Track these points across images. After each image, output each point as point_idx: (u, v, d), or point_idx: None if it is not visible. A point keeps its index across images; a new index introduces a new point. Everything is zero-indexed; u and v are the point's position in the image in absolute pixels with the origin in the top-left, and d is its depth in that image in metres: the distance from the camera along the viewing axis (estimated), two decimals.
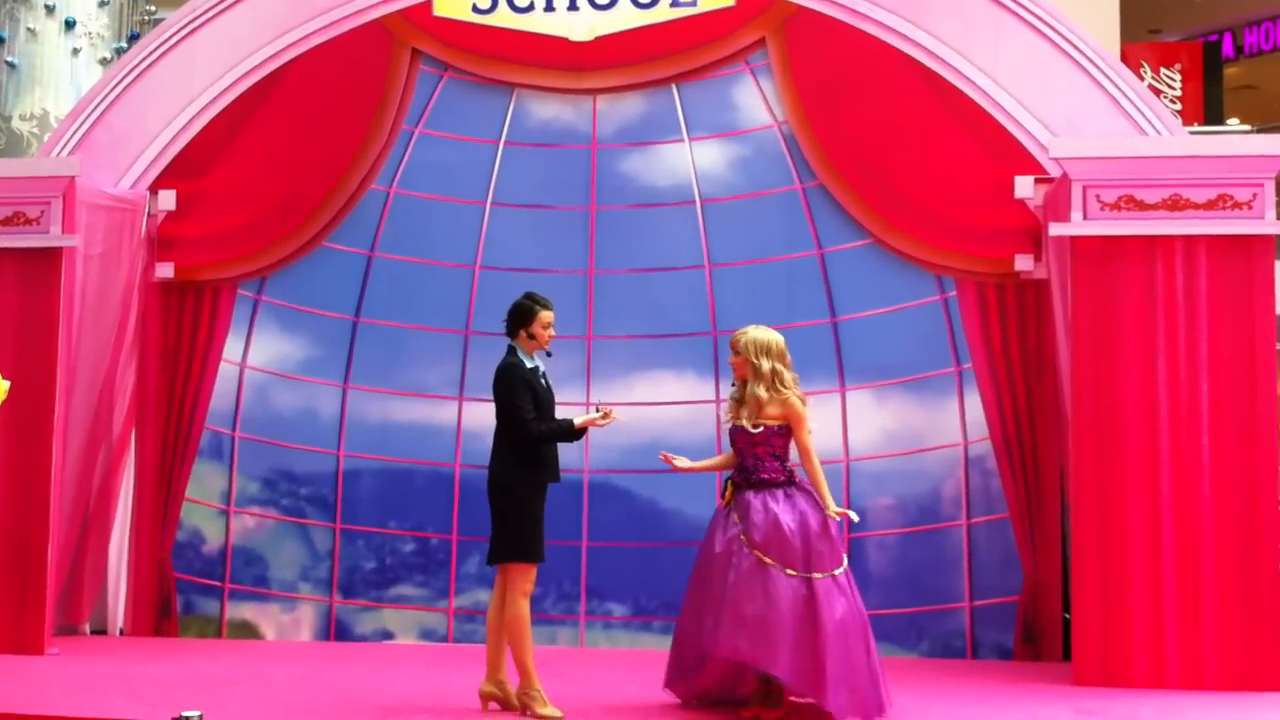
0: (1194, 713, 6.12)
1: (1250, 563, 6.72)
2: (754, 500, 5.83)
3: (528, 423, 5.96)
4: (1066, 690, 6.64)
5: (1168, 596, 6.73)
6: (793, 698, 5.87)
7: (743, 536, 5.77)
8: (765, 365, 5.90)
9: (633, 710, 6.03)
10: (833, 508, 5.85)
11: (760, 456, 5.89)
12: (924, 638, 7.79)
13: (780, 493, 5.85)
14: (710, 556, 5.89)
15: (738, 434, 5.96)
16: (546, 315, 6.10)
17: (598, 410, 6.12)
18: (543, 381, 6.13)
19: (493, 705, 6.05)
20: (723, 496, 5.98)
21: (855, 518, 5.96)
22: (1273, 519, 6.78)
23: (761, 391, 5.89)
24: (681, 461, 6.10)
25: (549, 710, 5.89)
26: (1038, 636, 7.63)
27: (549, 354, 6.20)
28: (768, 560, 5.71)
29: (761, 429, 5.87)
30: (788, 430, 5.90)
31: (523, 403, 5.97)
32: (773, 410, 5.88)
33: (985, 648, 7.72)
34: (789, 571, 5.70)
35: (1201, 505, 6.77)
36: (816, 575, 5.72)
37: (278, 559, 8.31)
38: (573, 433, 6.06)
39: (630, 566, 7.96)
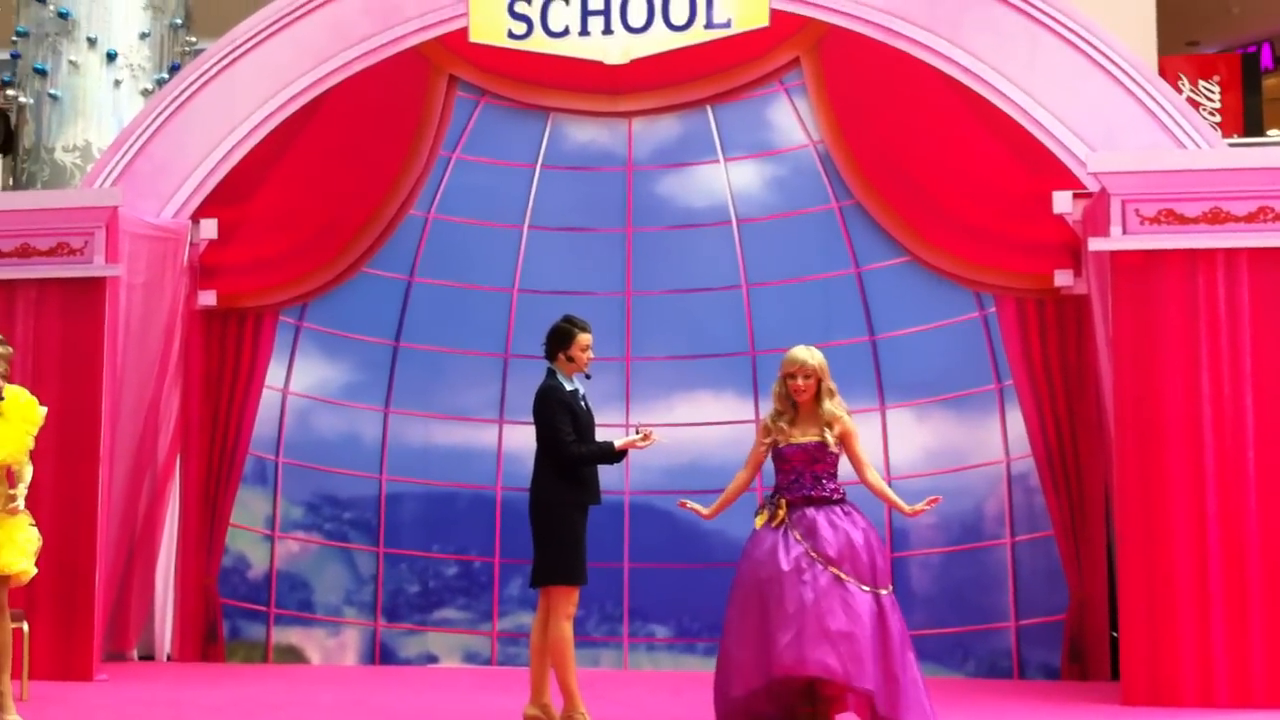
0: None
1: None
2: (819, 517, 5.80)
3: (568, 445, 5.97)
4: (1115, 710, 6.57)
5: (1215, 613, 6.65)
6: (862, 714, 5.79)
7: (813, 553, 5.73)
8: (831, 384, 5.94)
9: None
10: (908, 507, 5.90)
11: (819, 475, 5.87)
12: (970, 657, 7.74)
13: (839, 510, 5.85)
14: (773, 576, 5.71)
15: (795, 453, 5.89)
16: (585, 338, 6.12)
17: (638, 432, 6.13)
18: (582, 404, 6.14)
19: None
20: (772, 516, 5.89)
21: (940, 499, 5.98)
22: None
23: (836, 409, 5.90)
24: (704, 509, 6.08)
25: None
26: (1085, 655, 7.56)
27: (588, 376, 6.21)
28: (844, 576, 5.70)
29: (836, 446, 5.89)
30: (839, 449, 5.92)
31: (563, 425, 5.99)
32: (837, 430, 5.91)
33: (1032, 667, 7.66)
34: (863, 587, 5.69)
35: (1247, 519, 6.69)
36: (882, 591, 5.74)
37: (322, 583, 8.36)
38: (614, 455, 6.07)
39: (672, 588, 7.96)
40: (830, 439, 5.86)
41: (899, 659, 5.63)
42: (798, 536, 5.77)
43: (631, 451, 6.18)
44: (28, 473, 6.08)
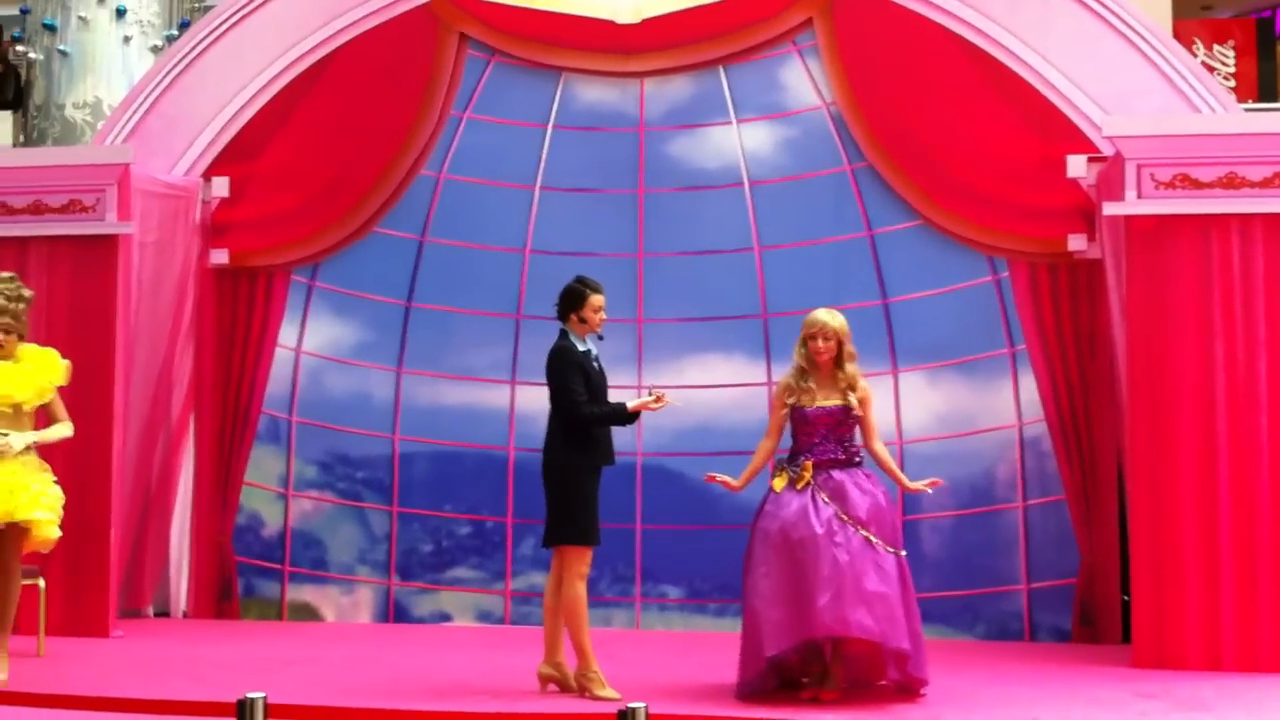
0: (1252, 695, 6.09)
1: None
2: (846, 480, 5.85)
3: (581, 405, 5.99)
4: (1125, 673, 6.61)
5: (1225, 578, 6.67)
6: (903, 673, 5.83)
7: (843, 516, 5.77)
8: (852, 348, 5.96)
9: (689, 692, 6.06)
10: (909, 483, 5.99)
11: (843, 438, 5.93)
12: (980, 620, 7.78)
13: (861, 473, 5.92)
14: (805, 538, 5.74)
15: (820, 416, 5.91)
16: (597, 299, 6.13)
17: (650, 394, 6.15)
18: (595, 365, 6.16)
19: (551, 687, 6.11)
20: (796, 479, 5.90)
21: (942, 482, 6.08)
22: None
23: (855, 373, 5.93)
24: (732, 480, 6.09)
25: (607, 692, 5.93)
26: (1095, 619, 7.59)
27: (600, 337, 6.22)
28: (874, 539, 5.75)
29: (857, 410, 5.91)
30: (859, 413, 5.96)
31: (575, 386, 6.01)
32: (858, 394, 5.94)
33: (1043, 630, 7.70)
34: (889, 549, 5.76)
35: (1259, 485, 6.71)
36: (902, 552, 5.84)
37: (336, 542, 8.41)
38: (626, 416, 6.10)
39: (684, 549, 7.99)
40: (854, 402, 5.90)
41: (919, 619, 5.80)
42: (825, 499, 5.81)
43: (643, 413, 6.20)
44: (59, 430, 6.29)
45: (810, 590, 5.68)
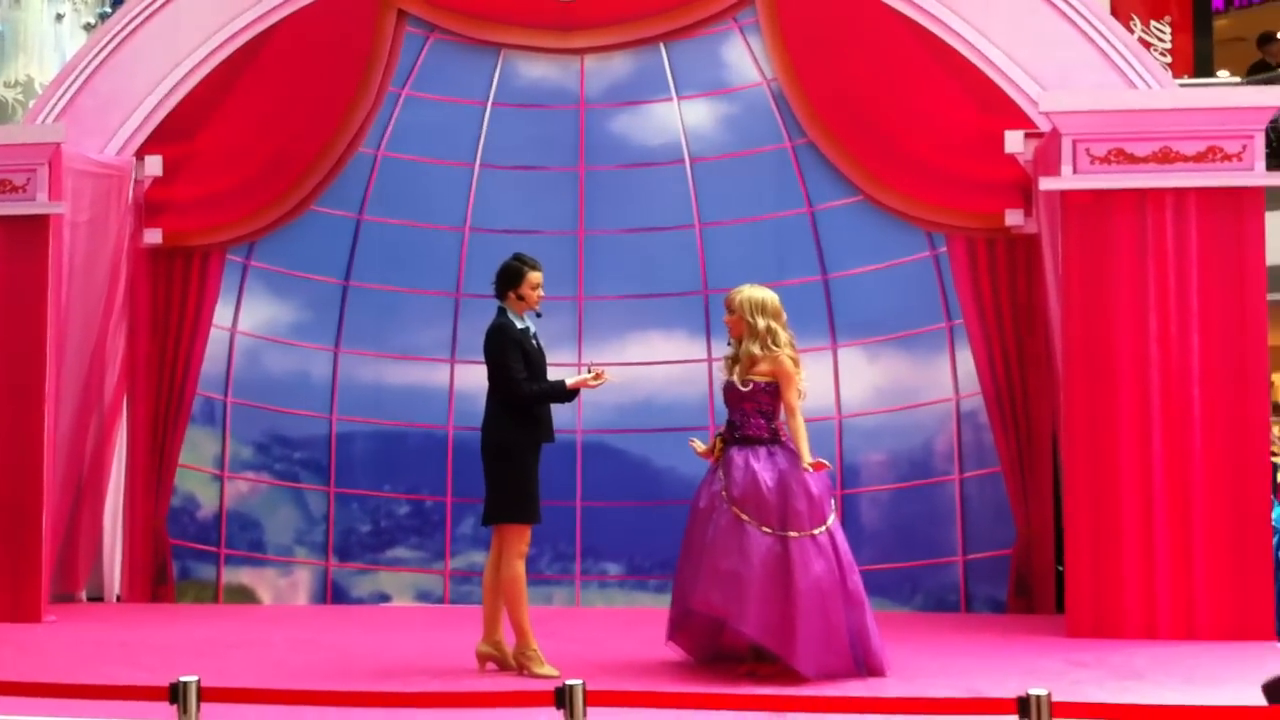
0: (1186, 663, 6.17)
1: (1240, 514, 6.76)
2: (736, 457, 5.88)
3: (520, 383, 5.96)
4: (1060, 642, 6.68)
5: (1159, 548, 6.77)
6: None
7: (724, 493, 5.82)
8: (760, 323, 5.92)
9: (629, 668, 6.06)
10: (808, 459, 5.82)
11: (747, 413, 5.92)
12: (918, 592, 7.83)
13: (763, 450, 5.87)
14: (695, 512, 5.96)
15: (728, 390, 5.99)
16: (535, 276, 6.09)
17: (589, 370, 6.13)
18: (534, 342, 6.13)
19: (490, 665, 6.08)
20: (713, 452, 6.01)
21: (829, 465, 5.95)
22: (1262, 470, 6.82)
23: (755, 349, 5.91)
24: (701, 445, 6.11)
25: (546, 669, 5.92)
26: (1031, 589, 7.67)
27: (539, 315, 6.19)
28: (744, 517, 5.75)
29: (750, 385, 5.89)
30: (776, 389, 5.91)
31: (514, 363, 5.98)
32: (764, 368, 5.91)
33: (979, 601, 7.77)
34: (764, 529, 5.73)
35: (1192, 457, 6.80)
36: (793, 534, 5.74)
37: (273, 523, 8.33)
38: (565, 393, 6.08)
39: (625, 526, 7.99)
40: (736, 379, 5.90)
41: (804, 601, 5.62)
42: (720, 475, 5.88)
43: (584, 390, 6.18)
44: None
45: (686, 563, 5.94)
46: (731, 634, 5.94)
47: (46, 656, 6.45)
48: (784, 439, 5.93)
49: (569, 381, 6.08)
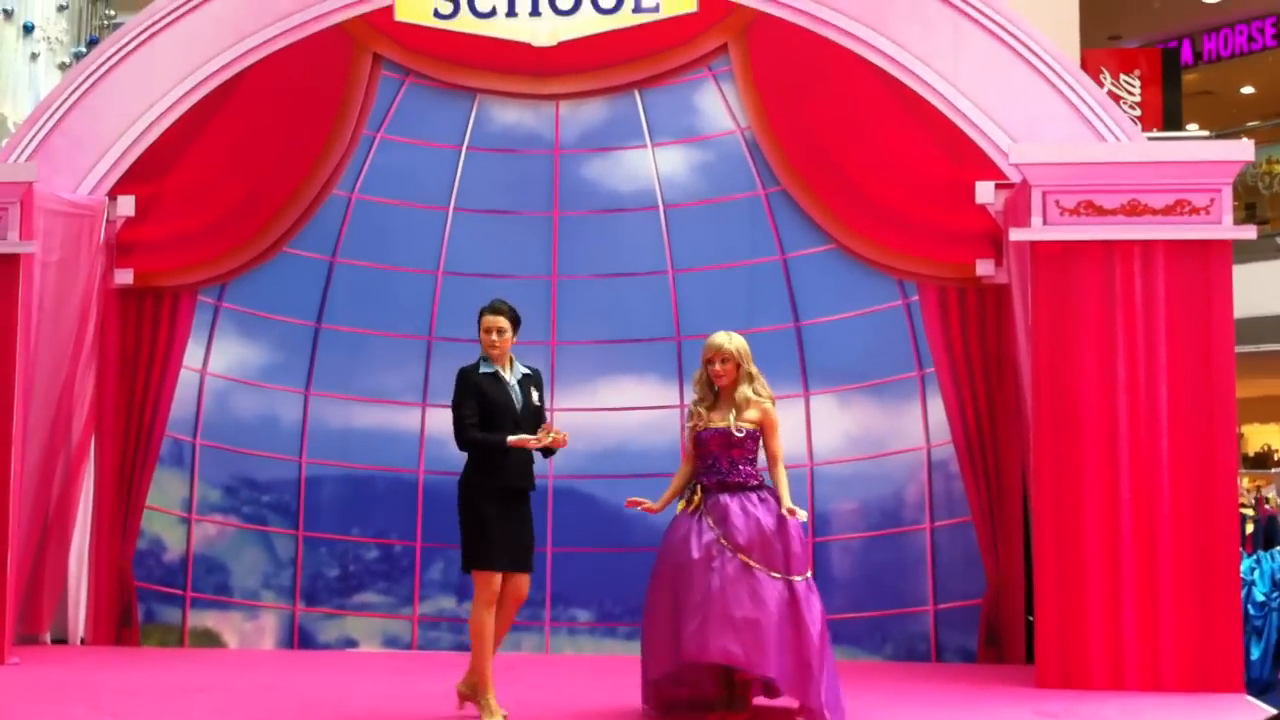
0: (1154, 713, 6.17)
1: (1207, 564, 6.78)
2: (731, 504, 5.83)
3: (463, 428, 5.92)
4: (1029, 693, 6.67)
5: (1126, 598, 6.78)
6: (772, 699, 5.86)
7: (723, 540, 5.77)
8: (754, 370, 5.95)
9: (598, 716, 6.02)
10: (787, 503, 5.84)
11: (735, 460, 5.91)
12: (888, 641, 7.82)
13: (755, 496, 5.88)
14: (684, 563, 5.81)
15: (712, 437, 5.94)
16: (486, 319, 6.02)
17: (542, 429, 5.97)
18: (508, 387, 6.03)
19: (468, 705, 6.02)
20: (688, 502, 5.96)
21: (803, 515, 5.92)
22: (1229, 521, 6.85)
23: (751, 394, 5.92)
24: (650, 503, 6.07)
25: None
26: (1001, 639, 7.67)
27: (499, 361, 6.05)
28: (753, 563, 5.73)
29: (744, 432, 5.89)
30: (759, 435, 5.93)
31: (464, 408, 5.94)
32: (752, 415, 5.93)
33: (949, 651, 7.75)
34: (773, 574, 5.72)
35: (1159, 507, 6.82)
36: (796, 578, 5.76)
37: (240, 567, 8.25)
38: (501, 448, 5.88)
39: (595, 572, 7.95)
40: (732, 424, 5.89)
41: (814, 645, 5.67)
42: (710, 523, 5.82)
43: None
44: None
45: (682, 616, 5.74)
46: (710, 684, 5.90)
47: (9, 699, 6.36)
48: (767, 484, 5.95)
49: (510, 439, 5.91)
